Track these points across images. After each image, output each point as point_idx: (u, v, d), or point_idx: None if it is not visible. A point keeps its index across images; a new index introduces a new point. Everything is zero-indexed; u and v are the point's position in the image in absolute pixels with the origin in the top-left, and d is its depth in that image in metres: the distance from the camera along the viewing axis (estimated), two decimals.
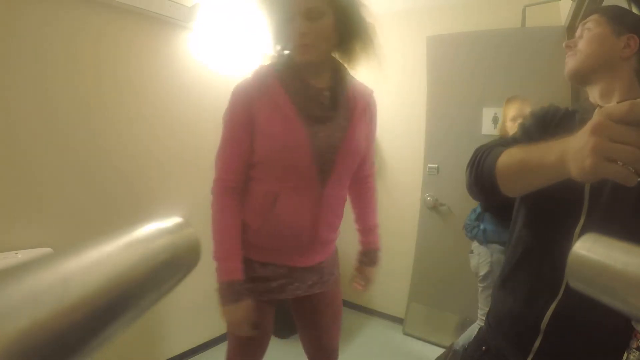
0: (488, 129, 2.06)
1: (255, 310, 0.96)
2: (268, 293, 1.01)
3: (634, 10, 1.17)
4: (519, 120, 1.40)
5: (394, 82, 2.55)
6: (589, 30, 0.77)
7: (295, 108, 0.91)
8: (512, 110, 1.69)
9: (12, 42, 1.25)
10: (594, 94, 0.77)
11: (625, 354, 0.63)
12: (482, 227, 1.77)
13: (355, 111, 0.99)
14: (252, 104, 0.91)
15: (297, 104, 0.91)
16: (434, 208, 2.25)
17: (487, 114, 2.07)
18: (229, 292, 0.92)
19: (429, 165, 2.27)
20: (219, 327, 2.02)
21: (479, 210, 1.81)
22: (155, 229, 0.24)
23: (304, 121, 0.91)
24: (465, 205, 2.11)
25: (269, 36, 0.96)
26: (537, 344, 0.71)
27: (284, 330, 2.28)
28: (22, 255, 1.31)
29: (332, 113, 0.95)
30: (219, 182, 0.97)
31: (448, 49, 2.18)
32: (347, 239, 2.79)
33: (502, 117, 1.80)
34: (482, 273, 1.75)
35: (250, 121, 0.92)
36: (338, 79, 0.98)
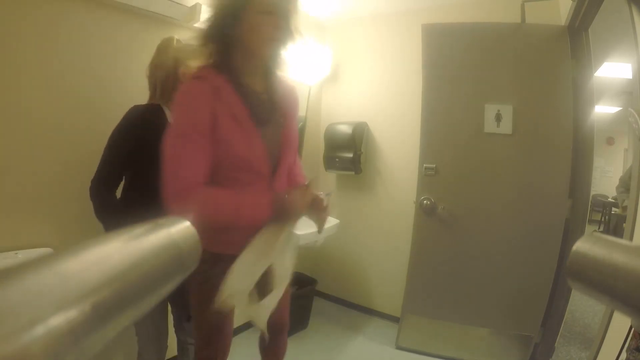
0: (491, 127, 2.00)
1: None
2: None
3: (634, 10, 1.17)
4: None
5: (387, 75, 2.55)
6: None
7: (248, 111, 0.95)
8: None
9: (14, 42, 1.25)
10: None
11: (625, 354, 0.63)
12: None
13: (288, 109, 1.08)
14: (213, 112, 0.90)
15: (249, 107, 0.96)
16: (431, 212, 2.10)
17: (490, 110, 1.99)
18: (277, 205, 0.93)
19: (425, 165, 2.10)
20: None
21: None
22: (155, 228, 0.24)
23: (255, 123, 0.96)
24: (467, 208, 2.09)
25: (216, 32, 0.94)
26: None
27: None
28: (22, 255, 1.31)
29: (273, 114, 1.02)
30: (184, 191, 0.89)
31: (445, 39, 2.06)
32: (346, 239, 2.77)
33: None
34: None
35: (212, 126, 0.90)
36: (271, 80, 1.05)
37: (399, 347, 2.24)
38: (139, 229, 0.23)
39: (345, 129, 2.52)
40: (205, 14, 1.73)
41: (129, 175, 1.22)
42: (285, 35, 0.94)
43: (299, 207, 0.95)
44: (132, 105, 1.27)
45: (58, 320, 0.13)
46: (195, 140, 0.89)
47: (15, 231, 1.31)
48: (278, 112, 1.04)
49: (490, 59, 2.00)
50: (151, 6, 1.57)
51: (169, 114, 1.24)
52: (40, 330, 0.12)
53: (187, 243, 0.26)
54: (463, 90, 2.05)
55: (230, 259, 1.03)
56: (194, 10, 1.70)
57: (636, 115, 1.05)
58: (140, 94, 1.36)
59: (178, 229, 0.26)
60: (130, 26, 1.58)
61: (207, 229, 1.01)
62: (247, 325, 2.26)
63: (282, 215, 0.95)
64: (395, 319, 2.43)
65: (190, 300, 1.13)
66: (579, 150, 1.91)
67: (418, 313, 2.20)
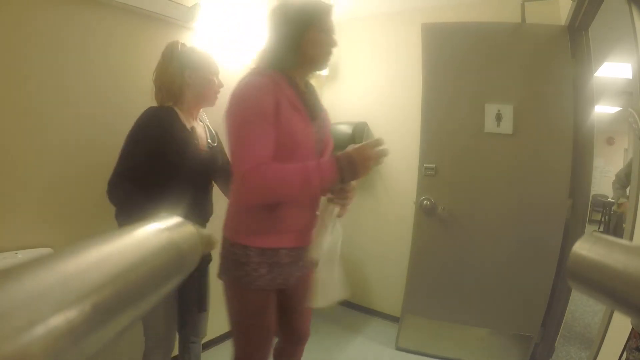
0: (491, 127, 1.99)
1: (266, 300, 1.07)
2: (285, 276, 1.09)
3: (634, 10, 1.17)
4: None
5: (387, 75, 2.55)
6: None
7: (304, 107, 1.05)
8: None
9: (17, 43, 1.25)
10: None
11: (625, 354, 0.63)
12: None
13: (324, 110, 1.20)
14: (277, 100, 0.98)
15: (304, 103, 1.06)
16: (431, 212, 2.09)
17: (490, 110, 1.99)
18: (342, 163, 0.95)
19: (425, 165, 2.10)
20: (223, 326, 2.02)
21: None
22: (155, 228, 0.24)
23: (309, 117, 1.06)
24: (467, 208, 2.08)
25: (280, 43, 1.04)
26: None
27: None
28: (22, 255, 1.31)
29: (320, 112, 1.14)
30: (253, 169, 0.93)
31: (445, 39, 2.06)
32: (346, 239, 2.75)
33: None
34: None
35: (275, 113, 0.97)
36: (310, 86, 1.17)
37: (398, 348, 2.24)
38: (139, 229, 0.22)
39: (345, 129, 2.52)
40: (204, 14, 1.74)
41: (144, 174, 1.22)
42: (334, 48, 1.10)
43: (367, 160, 0.96)
44: (131, 105, 1.28)
45: (58, 320, 0.13)
46: (261, 126, 0.95)
47: (15, 231, 1.31)
48: (322, 112, 1.15)
49: (490, 58, 2.00)
50: (151, 6, 1.57)
51: (181, 115, 1.26)
52: (40, 330, 0.12)
53: (187, 243, 0.26)
54: (463, 90, 2.05)
55: (274, 253, 1.05)
56: (194, 10, 1.70)
57: (636, 116, 1.05)
58: (140, 95, 1.36)
59: (178, 230, 0.26)
60: (130, 26, 1.58)
61: (254, 221, 1.03)
62: None
63: (350, 174, 0.96)
64: (395, 319, 2.43)
65: (228, 308, 1.12)
66: (579, 150, 1.91)
67: (418, 313, 2.20)
